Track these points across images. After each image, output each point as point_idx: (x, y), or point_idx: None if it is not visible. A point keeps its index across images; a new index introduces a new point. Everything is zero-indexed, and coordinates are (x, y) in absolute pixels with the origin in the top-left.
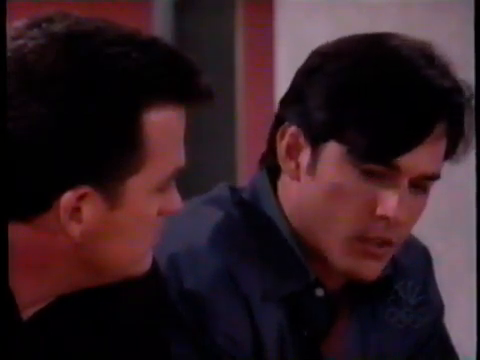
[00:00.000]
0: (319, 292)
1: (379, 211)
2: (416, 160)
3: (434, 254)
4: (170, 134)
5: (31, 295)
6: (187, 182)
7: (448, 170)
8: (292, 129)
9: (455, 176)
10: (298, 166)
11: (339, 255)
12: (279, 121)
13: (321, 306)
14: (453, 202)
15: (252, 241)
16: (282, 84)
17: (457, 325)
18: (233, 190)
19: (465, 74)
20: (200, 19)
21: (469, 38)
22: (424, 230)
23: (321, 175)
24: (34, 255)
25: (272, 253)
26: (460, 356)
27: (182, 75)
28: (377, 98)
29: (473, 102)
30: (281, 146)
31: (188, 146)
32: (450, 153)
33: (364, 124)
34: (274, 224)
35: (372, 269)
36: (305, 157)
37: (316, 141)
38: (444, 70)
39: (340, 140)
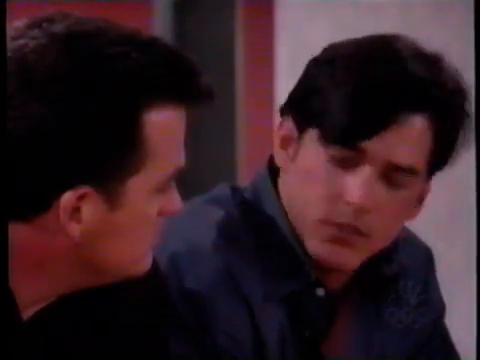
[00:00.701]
0: (320, 292)
1: (344, 196)
2: (382, 146)
3: (434, 254)
4: (170, 134)
5: (31, 295)
6: (187, 182)
7: (448, 170)
8: (289, 121)
9: (455, 176)
10: (289, 157)
11: (309, 239)
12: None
13: (322, 306)
14: (453, 202)
15: (253, 241)
16: (282, 84)
17: (457, 325)
18: (234, 190)
19: (465, 74)
20: (200, 19)
21: (469, 38)
22: (424, 230)
23: (299, 161)
24: (34, 255)
25: (273, 253)
26: (460, 356)
27: (182, 75)
28: (349, 81)
29: (467, 104)
30: (277, 138)
31: (188, 146)
32: (438, 154)
33: (333, 107)
34: (275, 223)
35: (342, 255)
36: (294, 146)
37: (300, 128)
38: (431, 64)
39: (314, 124)
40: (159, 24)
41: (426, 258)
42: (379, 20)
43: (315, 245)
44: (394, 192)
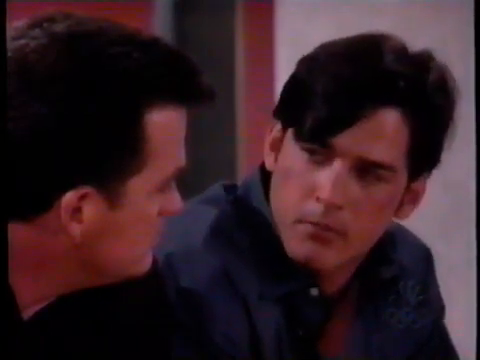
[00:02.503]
0: (314, 292)
1: (316, 193)
2: (352, 141)
3: (434, 254)
4: (171, 134)
5: (31, 295)
6: (187, 182)
7: (448, 170)
8: (278, 123)
9: (455, 175)
10: (276, 159)
11: (288, 241)
12: None
13: (316, 306)
14: (453, 202)
15: (247, 239)
16: (282, 84)
17: (457, 325)
18: (228, 188)
19: (465, 74)
20: (200, 19)
21: (469, 38)
22: (424, 230)
23: (280, 161)
24: (34, 255)
25: (266, 252)
26: (460, 356)
27: (183, 75)
28: (321, 78)
29: (452, 106)
30: (267, 140)
31: (188, 146)
32: (418, 152)
33: (306, 104)
34: (267, 222)
35: (319, 254)
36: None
37: (284, 129)
38: (413, 62)
39: (292, 123)
40: (159, 24)
41: (425, 258)
42: (379, 20)
43: (293, 246)
44: (370, 189)
